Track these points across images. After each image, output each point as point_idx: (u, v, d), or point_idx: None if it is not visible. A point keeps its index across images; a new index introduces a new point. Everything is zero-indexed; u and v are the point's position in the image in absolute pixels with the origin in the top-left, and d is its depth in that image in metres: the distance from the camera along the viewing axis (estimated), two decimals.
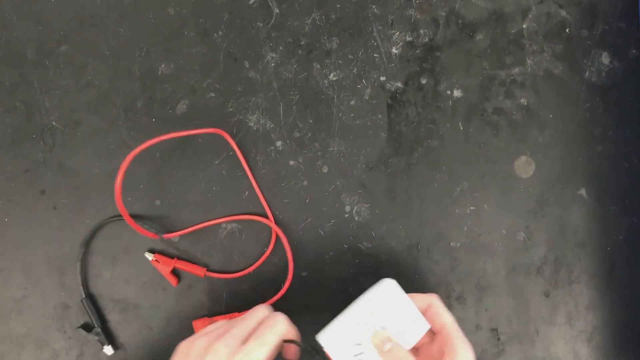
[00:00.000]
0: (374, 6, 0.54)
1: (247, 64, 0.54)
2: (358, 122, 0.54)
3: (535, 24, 0.55)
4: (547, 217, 0.55)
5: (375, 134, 0.54)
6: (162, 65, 0.54)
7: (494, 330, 0.55)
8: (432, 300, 0.44)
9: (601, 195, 0.55)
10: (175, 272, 0.53)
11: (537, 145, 0.55)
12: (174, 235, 0.52)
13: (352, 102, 0.54)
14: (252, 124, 0.54)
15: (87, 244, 0.52)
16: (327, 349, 0.42)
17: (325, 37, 0.54)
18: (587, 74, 0.55)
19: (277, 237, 0.53)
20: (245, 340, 0.39)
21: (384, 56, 0.54)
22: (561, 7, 0.55)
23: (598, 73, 0.55)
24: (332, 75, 0.54)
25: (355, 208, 0.54)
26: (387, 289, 0.44)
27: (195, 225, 0.53)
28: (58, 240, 0.53)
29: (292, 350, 0.43)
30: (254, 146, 0.54)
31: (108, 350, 0.52)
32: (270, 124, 0.54)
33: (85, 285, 0.53)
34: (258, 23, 0.54)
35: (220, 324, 0.42)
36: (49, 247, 0.53)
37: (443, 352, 0.43)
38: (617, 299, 0.55)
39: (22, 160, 0.53)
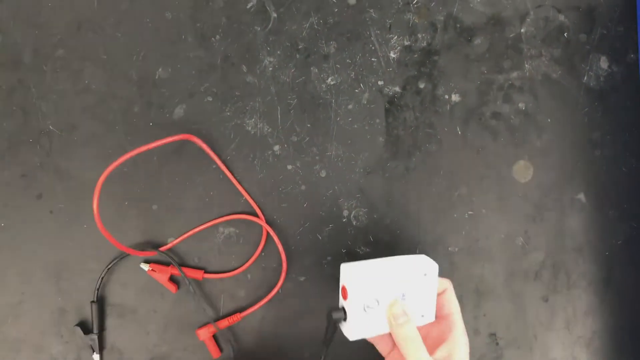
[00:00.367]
0: (371, 10, 0.54)
1: (244, 68, 0.54)
2: (356, 126, 0.54)
3: (533, 29, 0.55)
4: (545, 221, 0.55)
5: (373, 138, 0.54)
6: (160, 70, 0.53)
7: (493, 335, 0.54)
8: (448, 286, 0.46)
9: (599, 199, 0.55)
10: (173, 279, 0.53)
11: (535, 149, 0.55)
12: (170, 247, 0.52)
13: (350, 107, 0.54)
14: (249, 128, 0.54)
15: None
16: (345, 279, 0.43)
17: (323, 42, 0.54)
18: (585, 78, 0.55)
19: (278, 239, 0.53)
20: None
21: (382, 60, 0.54)
22: (559, 11, 0.55)
23: (596, 77, 0.55)
24: (330, 80, 0.54)
25: (353, 213, 0.54)
26: (425, 265, 0.44)
27: (188, 231, 0.53)
28: (55, 244, 0.53)
29: None
30: (251, 150, 0.54)
31: (96, 358, 0.51)
32: (268, 128, 0.54)
33: (99, 289, 0.52)
34: (256, 27, 0.54)
35: None
36: (46, 252, 0.53)
37: (442, 339, 0.44)
38: (615, 304, 0.55)
39: (19, 164, 0.53)
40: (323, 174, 0.54)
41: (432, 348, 0.45)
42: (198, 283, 0.53)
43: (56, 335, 0.53)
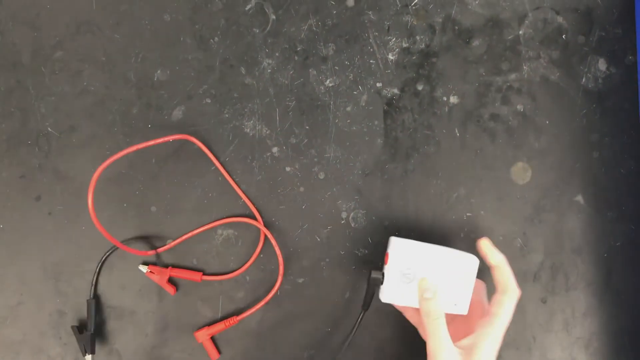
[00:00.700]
0: (370, 12, 0.54)
1: (243, 70, 0.54)
2: (354, 128, 0.54)
3: (531, 30, 0.55)
4: (543, 223, 0.55)
5: (372, 140, 0.54)
6: (158, 72, 0.54)
7: None
8: (512, 291, 0.46)
9: (598, 201, 0.55)
10: (171, 281, 0.53)
11: (533, 151, 0.55)
12: (168, 247, 0.52)
13: (349, 108, 0.54)
14: (248, 130, 0.54)
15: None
16: (391, 248, 0.47)
17: (322, 43, 0.54)
18: (583, 80, 0.55)
19: (276, 242, 0.53)
20: None
21: (380, 62, 0.54)
22: (557, 13, 0.55)
23: (594, 79, 0.55)
24: (328, 82, 0.54)
25: (352, 214, 0.54)
26: (469, 260, 0.48)
27: (187, 232, 0.53)
28: (53, 246, 0.53)
29: None
30: (250, 152, 0.54)
31: (88, 358, 0.51)
32: (267, 130, 0.54)
33: (95, 286, 0.52)
34: (254, 29, 0.54)
35: None
36: (45, 253, 0.53)
37: (474, 329, 0.45)
38: (614, 306, 0.55)
39: (18, 166, 0.53)
40: (322, 175, 0.54)
41: (457, 337, 0.46)
42: (196, 285, 0.53)
43: (55, 337, 0.53)
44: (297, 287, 0.54)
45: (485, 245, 0.48)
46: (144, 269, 0.53)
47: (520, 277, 0.54)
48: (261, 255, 0.54)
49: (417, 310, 0.49)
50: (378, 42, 0.54)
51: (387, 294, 0.47)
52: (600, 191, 0.55)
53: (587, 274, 0.55)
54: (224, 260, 0.53)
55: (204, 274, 0.53)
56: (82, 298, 0.53)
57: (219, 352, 0.53)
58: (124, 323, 0.53)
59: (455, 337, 0.45)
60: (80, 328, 0.52)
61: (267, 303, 0.53)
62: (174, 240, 0.53)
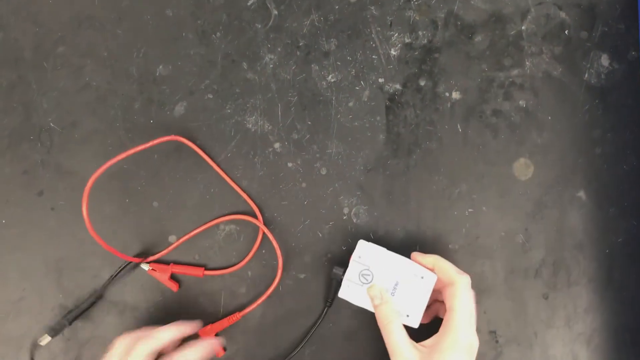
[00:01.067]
0: (372, 7, 0.54)
1: (245, 66, 0.54)
2: (356, 123, 0.54)
3: (534, 26, 0.55)
4: (545, 219, 0.55)
5: (374, 135, 0.54)
6: (160, 67, 0.53)
7: (493, 332, 0.55)
8: (458, 280, 0.46)
9: (600, 197, 0.55)
10: (174, 277, 0.53)
11: (536, 147, 0.55)
12: (159, 256, 0.53)
13: (351, 104, 0.54)
14: (250, 126, 0.54)
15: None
16: (357, 249, 0.49)
17: (324, 39, 0.54)
18: (586, 75, 0.55)
19: (274, 239, 0.53)
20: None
21: (383, 58, 0.54)
22: (560, 8, 0.55)
23: (597, 75, 0.55)
24: (330, 77, 0.54)
25: (354, 210, 0.54)
26: (426, 273, 0.48)
27: (188, 228, 0.53)
28: (56, 241, 0.53)
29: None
30: (252, 148, 0.54)
31: (43, 340, 0.51)
32: (269, 126, 0.54)
33: (107, 286, 0.53)
34: (256, 24, 0.54)
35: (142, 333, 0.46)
36: (47, 249, 0.53)
37: (440, 328, 0.46)
38: (615, 302, 0.55)
39: (20, 161, 0.53)
40: (323, 171, 0.54)
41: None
42: (199, 281, 0.53)
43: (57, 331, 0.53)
44: (299, 282, 0.54)
45: (415, 256, 0.49)
46: (145, 267, 0.53)
47: (522, 273, 0.55)
48: (263, 251, 0.54)
49: None
50: (380, 37, 0.54)
51: (345, 290, 0.49)
52: (603, 187, 0.55)
53: (589, 270, 0.55)
54: (226, 255, 0.53)
55: (206, 269, 0.53)
56: (84, 293, 0.53)
57: (224, 349, 0.53)
58: (126, 319, 0.53)
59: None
60: (70, 317, 0.52)
61: (268, 298, 0.53)
62: (176, 235, 0.53)
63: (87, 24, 0.53)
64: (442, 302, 0.49)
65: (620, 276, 0.55)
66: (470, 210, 0.54)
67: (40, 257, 0.53)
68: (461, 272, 0.47)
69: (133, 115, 0.53)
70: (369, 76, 0.54)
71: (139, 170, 0.53)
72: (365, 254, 0.49)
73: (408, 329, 0.46)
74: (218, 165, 0.53)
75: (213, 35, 0.54)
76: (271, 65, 0.54)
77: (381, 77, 0.54)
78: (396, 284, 0.48)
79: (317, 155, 0.54)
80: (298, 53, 0.54)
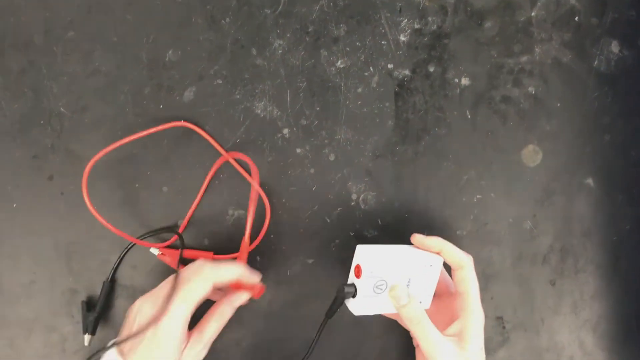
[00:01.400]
0: None
1: (254, 51, 0.54)
2: (365, 109, 0.54)
3: (544, 12, 0.55)
4: (553, 206, 0.55)
5: (382, 122, 0.54)
6: (170, 52, 0.54)
7: (499, 318, 0.55)
8: (466, 263, 0.46)
9: (608, 184, 0.55)
10: (183, 261, 0.53)
11: (544, 134, 0.55)
12: (169, 243, 0.53)
13: (360, 90, 0.54)
14: (259, 112, 0.54)
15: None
16: (360, 259, 0.45)
17: (333, 24, 0.54)
18: (596, 62, 0.55)
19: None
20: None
21: (392, 43, 0.54)
22: None
23: (607, 62, 0.55)
24: (339, 63, 0.54)
25: (362, 196, 0.54)
26: (432, 257, 0.47)
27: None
28: (66, 226, 0.53)
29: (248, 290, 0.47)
30: (260, 134, 0.54)
31: (86, 339, 0.52)
32: (277, 112, 0.54)
33: (115, 270, 0.53)
34: (266, 10, 0.54)
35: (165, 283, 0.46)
36: (57, 233, 0.53)
37: (457, 315, 0.46)
38: (622, 289, 0.55)
39: (30, 146, 0.53)
40: (332, 157, 0.54)
41: (445, 324, 0.46)
42: None
43: (67, 315, 0.53)
44: (307, 267, 0.54)
45: (417, 240, 0.48)
46: (155, 251, 0.53)
47: (529, 259, 0.55)
48: (271, 236, 0.54)
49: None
50: (390, 23, 0.54)
51: (361, 307, 0.46)
52: (611, 174, 0.55)
53: (596, 257, 0.55)
54: (235, 240, 0.54)
55: (215, 253, 0.53)
56: (94, 277, 0.53)
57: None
58: None
59: (439, 326, 0.45)
60: (89, 306, 0.53)
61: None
62: (185, 220, 0.53)
63: (97, 9, 0.53)
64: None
65: (627, 263, 0.55)
66: (478, 196, 0.54)
67: (50, 241, 0.53)
68: (465, 253, 0.47)
69: (142, 101, 0.53)
70: (378, 62, 0.54)
71: (148, 155, 0.53)
72: (373, 263, 0.45)
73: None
74: (227, 151, 0.53)
75: (222, 21, 0.54)
76: (280, 51, 0.54)
77: (390, 63, 0.54)
78: (409, 280, 0.46)
79: (326, 141, 0.54)
80: (307, 39, 0.54)
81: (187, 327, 0.43)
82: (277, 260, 0.54)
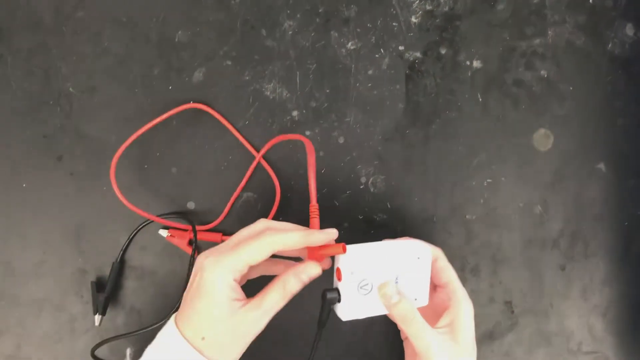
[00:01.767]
0: None
1: (264, 32, 0.53)
2: (375, 92, 0.54)
3: None
4: (564, 190, 0.54)
5: (393, 104, 0.54)
6: (179, 33, 0.53)
7: (508, 303, 0.55)
8: (439, 254, 0.46)
9: (620, 169, 0.55)
10: (191, 242, 0.54)
11: (556, 118, 0.54)
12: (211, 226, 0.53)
13: (370, 72, 0.54)
14: (268, 93, 0.54)
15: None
16: (339, 261, 0.43)
17: (344, 5, 0.53)
18: (610, 45, 0.54)
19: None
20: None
21: (403, 25, 0.54)
22: None
23: (621, 45, 0.54)
24: (350, 44, 0.54)
25: (371, 179, 0.54)
26: (419, 249, 0.44)
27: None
28: (75, 206, 0.53)
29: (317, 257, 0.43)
30: (270, 115, 0.54)
31: (97, 319, 0.52)
32: (287, 93, 0.54)
33: (125, 251, 0.53)
34: None
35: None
36: (66, 213, 0.53)
37: (444, 307, 0.45)
38: (633, 274, 0.55)
39: (40, 126, 0.53)
40: (341, 140, 0.54)
41: (435, 317, 0.45)
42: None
43: (76, 295, 0.53)
44: None
45: (442, 260, 0.47)
46: (164, 233, 0.53)
47: (540, 244, 0.54)
48: (280, 218, 0.54)
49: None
50: (401, 4, 0.54)
51: (347, 312, 0.43)
52: (623, 159, 0.55)
53: (607, 242, 0.55)
54: (243, 222, 0.53)
55: (224, 235, 0.53)
56: (103, 257, 0.53)
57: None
58: (145, 283, 0.54)
59: (430, 320, 0.44)
60: (99, 286, 0.53)
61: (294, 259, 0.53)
62: (194, 203, 0.53)
63: None
64: None
65: (638, 249, 0.55)
66: (489, 180, 0.54)
67: (59, 221, 0.53)
68: (432, 245, 0.46)
69: (152, 81, 0.53)
70: (389, 44, 0.54)
71: (157, 136, 0.53)
72: (354, 264, 0.43)
73: None
74: (238, 131, 0.53)
75: (232, 1, 0.53)
76: (290, 32, 0.53)
77: (401, 45, 0.54)
78: (397, 277, 0.44)
79: (335, 123, 0.54)
80: (317, 20, 0.53)
81: (236, 282, 0.40)
82: None
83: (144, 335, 0.48)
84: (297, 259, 0.46)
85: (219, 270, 0.39)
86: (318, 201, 0.45)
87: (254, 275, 0.47)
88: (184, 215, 0.53)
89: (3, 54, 0.52)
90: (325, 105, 0.54)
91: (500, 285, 0.54)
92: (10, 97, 0.52)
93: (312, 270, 0.42)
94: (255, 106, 0.54)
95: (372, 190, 0.54)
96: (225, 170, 0.53)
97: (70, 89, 0.53)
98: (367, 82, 0.54)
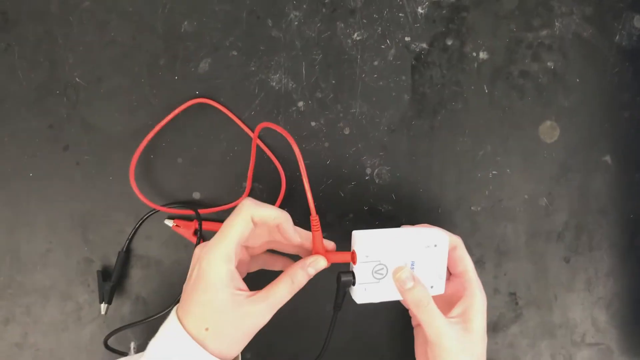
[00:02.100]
0: None
1: (270, 23, 0.53)
2: (381, 83, 0.54)
3: None
4: (570, 182, 0.54)
5: (399, 95, 0.54)
6: (185, 23, 0.53)
7: (513, 294, 0.55)
8: (458, 243, 0.46)
9: (626, 162, 0.54)
10: (197, 232, 0.54)
11: (562, 110, 0.54)
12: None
13: (376, 63, 0.54)
14: (274, 84, 0.54)
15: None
16: (356, 245, 0.43)
17: None
18: (617, 37, 0.54)
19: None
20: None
21: (410, 16, 0.53)
22: None
23: (629, 37, 0.54)
24: (356, 35, 0.53)
25: (376, 170, 0.54)
26: (436, 237, 0.44)
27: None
28: (81, 196, 0.53)
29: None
30: (275, 106, 0.54)
31: (103, 307, 0.53)
32: (292, 84, 0.54)
33: (130, 241, 0.54)
34: None
35: None
36: (73, 203, 0.53)
37: (458, 296, 0.45)
38: (637, 267, 0.55)
39: (46, 116, 0.53)
40: (347, 131, 0.54)
41: (448, 306, 0.45)
42: None
43: (82, 284, 0.54)
44: None
45: (460, 249, 0.46)
46: (170, 223, 0.53)
47: (544, 236, 0.54)
48: (285, 209, 0.54)
49: None
50: None
51: (362, 295, 0.44)
52: (629, 152, 0.54)
53: (612, 235, 0.55)
54: None
55: None
56: (109, 247, 0.54)
57: None
58: (151, 272, 0.54)
59: (443, 309, 0.44)
60: (105, 275, 0.53)
61: (292, 257, 0.53)
62: (200, 193, 0.53)
63: None
64: None
65: None
66: (494, 172, 0.54)
67: (66, 211, 0.53)
68: (451, 233, 0.46)
69: (158, 72, 0.53)
70: (395, 34, 0.53)
71: (163, 126, 0.53)
72: (369, 247, 0.43)
73: None
74: (244, 122, 0.53)
75: None
76: (296, 23, 0.53)
77: (407, 36, 0.53)
78: (413, 263, 0.44)
79: (341, 114, 0.54)
80: (324, 10, 0.53)
81: (232, 267, 0.40)
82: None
83: (150, 324, 0.49)
84: (297, 258, 0.46)
85: (214, 259, 0.39)
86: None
87: (254, 267, 0.47)
88: (189, 205, 0.53)
89: (10, 44, 0.52)
90: (331, 96, 0.54)
91: (504, 276, 0.55)
92: (17, 87, 0.52)
93: (319, 263, 0.42)
94: (261, 97, 0.54)
95: (377, 181, 0.54)
96: (231, 161, 0.53)
97: (77, 79, 0.53)
98: (372, 73, 0.54)
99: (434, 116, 0.54)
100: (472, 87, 0.54)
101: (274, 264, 0.48)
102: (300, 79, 0.54)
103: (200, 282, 0.39)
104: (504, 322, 0.55)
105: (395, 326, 0.55)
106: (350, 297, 0.45)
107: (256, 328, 0.40)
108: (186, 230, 0.53)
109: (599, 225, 0.55)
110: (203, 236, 0.54)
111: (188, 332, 0.39)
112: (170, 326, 0.40)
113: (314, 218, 0.42)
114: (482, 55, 0.54)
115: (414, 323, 0.51)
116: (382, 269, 0.43)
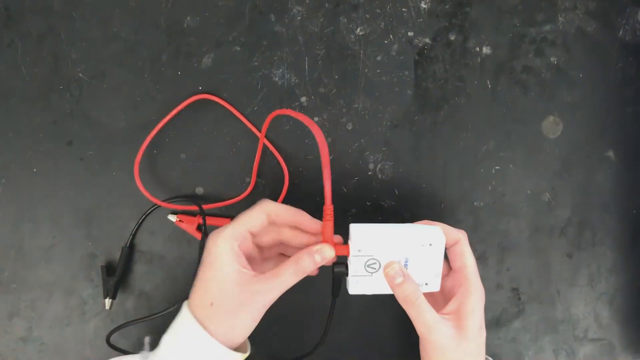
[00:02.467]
0: None
1: (273, 18, 0.53)
2: (384, 78, 0.54)
3: None
4: (573, 178, 0.54)
5: (401, 91, 0.54)
6: (188, 18, 0.53)
7: (515, 290, 0.55)
8: (461, 237, 0.45)
9: (629, 157, 0.54)
10: (200, 228, 0.54)
11: (565, 105, 0.54)
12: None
13: (379, 58, 0.53)
14: (276, 79, 0.54)
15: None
16: (351, 238, 0.44)
17: None
18: (621, 32, 0.54)
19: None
20: None
21: (413, 11, 0.53)
22: None
23: (633, 32, 0.54)
24: (359, 30, 0.53)
25: (379, 166, 0.54)
26: (433, 235, 0.44)
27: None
28: (85, 191, 0.54)
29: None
30: (278, 101, 0.54)
31: (107, 303, 0.53)
32: (295, 79, 0.54)
33: (134, 236, 0.54)
34: None
35: None
36: (76, 198, 0.54)
37: (456, 291, 0.45)
38: None
39: (50, 111, 0.53)
40: (349, 126, 0.54)
41: (445, 302, 0.45)
42: None
43: (86, 279, 0.54)
44: None
45: (462, 244, 0.46)
46: (173, 218, 0.53)
47: (547, 231, 0.54)
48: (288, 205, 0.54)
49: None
50: None
51: (355, 286, 0.44)
52: (633, 147, 0.54)
53: (615, 231, 0.55)
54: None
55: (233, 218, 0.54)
56: (113, 242, 0.54)
57: None
58: (154, 268, 0.54)
59: (437, 307, 0.44)
60: (109, 271, 0.54)
61: None
62: (203, 189, 0.54)
63: None
64: None
65: None
66: (497, 167, 0.54)
67: (69, 206, 0.54)
68: (456, 228, 0.46)
69: (161, 67, 0.53)
70: (398, 30, 0.53)
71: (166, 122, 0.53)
72: (363, 241, 0.43)
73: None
74: (246, 118, 0.53)
75: None
76: (299, 18, 0.53)
77: (411, 31, 0.53)
78: (406, 261, 0.44)
79: (344, 110, 0.54)
80: (327, 5, 0.53)
81: (241, 254, 0.41)
82: None
83: (156, 320, 0.49)
84: None
85: (220, 238, 0.41)
86: None
87: (266, 270, 0.45)
88: (192, 200, 0.53)
89: (13, 39, 0.52)
90: (334, 91, 0.54)
91: (507, 272, 0.55)
92: (20, 82, 0.53)
93: (326, 252, 0.42)
94: (264, 92, 0.54)
95: (380, 176, 0.54)
96: (234, 156, 0.54)
97: (80, 74, 0.53)
98: (375, 68, 0.54)
99: (436, 111, 0.54)
100: (475, 83, 0.54)
101: (286, 250, 0.48)
102: (303, 74, 0.54)
103: (206, 259, 0.41)
104: (507, 317, 0.55)
105: (399, 321, 0.55)
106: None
107: (261, 307, 0.41)
108: (189, 226, 0.53)
109: (601, 220, 0.55)
110: (206, 231, 0.54)
111: (193, 310, 0.40)
112: (183, 321, 0.41)
113: (329, 207, 0.42)
114: (485, 50, 0.54)
115: None
116: (375, 263, 0.44)
